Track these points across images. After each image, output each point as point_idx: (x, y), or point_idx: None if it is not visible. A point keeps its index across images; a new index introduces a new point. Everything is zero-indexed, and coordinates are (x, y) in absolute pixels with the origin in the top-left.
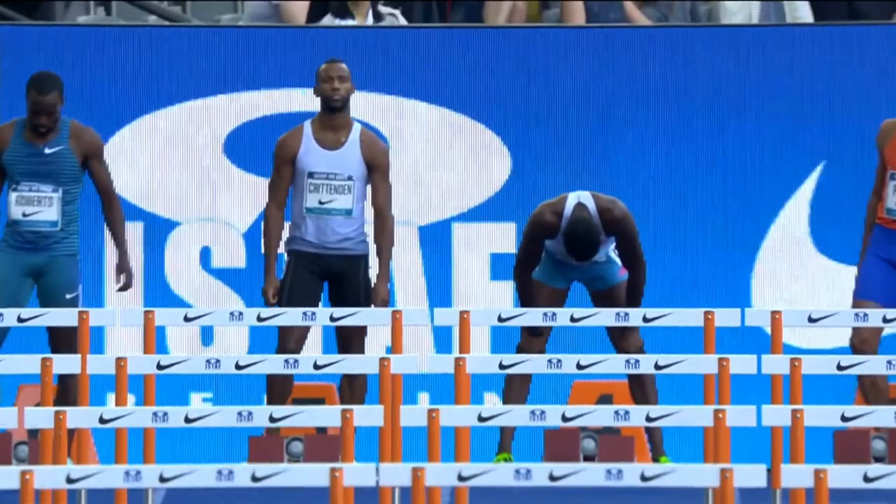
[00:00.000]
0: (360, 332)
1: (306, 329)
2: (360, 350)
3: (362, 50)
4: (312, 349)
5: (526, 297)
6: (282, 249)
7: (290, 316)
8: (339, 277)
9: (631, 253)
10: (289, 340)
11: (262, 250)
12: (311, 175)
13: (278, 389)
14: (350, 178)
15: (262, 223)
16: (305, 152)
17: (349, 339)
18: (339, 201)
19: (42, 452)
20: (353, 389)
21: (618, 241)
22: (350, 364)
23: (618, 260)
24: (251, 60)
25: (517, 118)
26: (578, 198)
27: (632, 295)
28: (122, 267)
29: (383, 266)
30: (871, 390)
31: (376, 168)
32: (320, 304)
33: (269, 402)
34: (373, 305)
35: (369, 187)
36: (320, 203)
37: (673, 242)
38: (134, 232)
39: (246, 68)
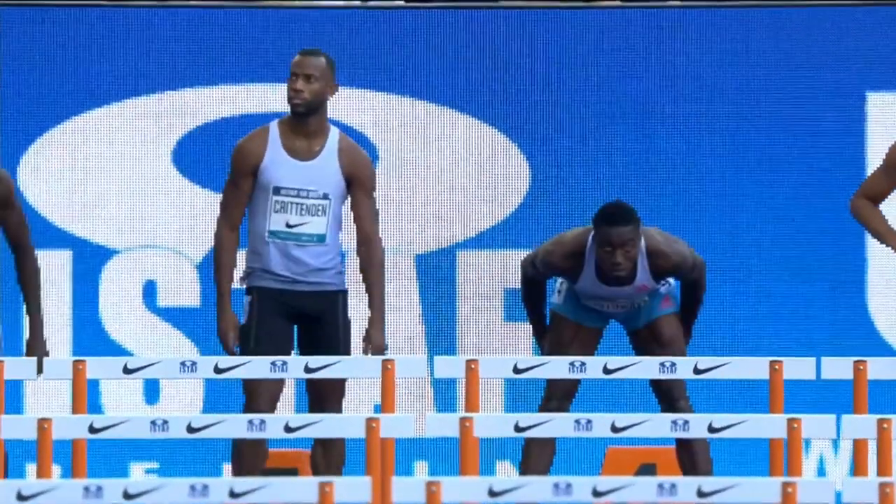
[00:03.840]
0: (338, 386)
1: (280, 385)
2: (338, 409)
3: (345, 34)
4: (284, 408)
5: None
6: (237, 284)
7: (255, 366)
8: (312, 320)
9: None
10: (260, 401)
11: (215, 281)
12: (277, 191)
13: (248, 460)
14: (326, 197)
15: (214, 249)
16: (272, 162)
17: (323, 397)
18: (311, 225)
19: None
20: (328, 458)
21: (683, 286)
22: (331, 425)
23: (661, 289)
24: (208, 48)
25: (538, 120)
26: None
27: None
28: (34, 346)
29: (377, 305)
30: None
31: (360, 183)
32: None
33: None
34: (368, 355)
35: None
36: (288, 226)
37: (735, 274)
38: (60, 262)
39: (201, 58)
